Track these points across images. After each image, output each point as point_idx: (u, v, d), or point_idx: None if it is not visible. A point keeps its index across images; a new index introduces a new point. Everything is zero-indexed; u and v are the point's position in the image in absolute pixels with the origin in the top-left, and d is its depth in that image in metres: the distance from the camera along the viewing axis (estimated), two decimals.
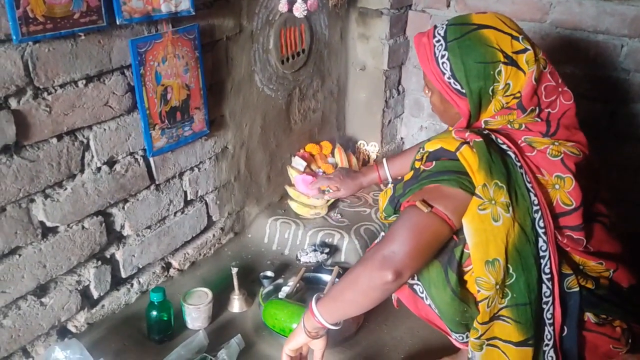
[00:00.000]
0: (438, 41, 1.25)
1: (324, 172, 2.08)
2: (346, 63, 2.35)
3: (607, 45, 1.98)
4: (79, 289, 1.47)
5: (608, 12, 1.93)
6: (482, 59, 1.21)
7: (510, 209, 1.14)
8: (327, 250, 1.85)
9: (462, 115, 1.27)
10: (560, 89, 1.26)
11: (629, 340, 1.23)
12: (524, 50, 1.20)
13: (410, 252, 1.12)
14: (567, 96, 1.26)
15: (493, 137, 1.21)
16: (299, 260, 1.83)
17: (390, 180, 1.71)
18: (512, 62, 1.20)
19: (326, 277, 1.72)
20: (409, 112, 2.54)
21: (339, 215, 2.03)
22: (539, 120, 1.24)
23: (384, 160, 1.73)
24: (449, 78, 1.24)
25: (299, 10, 1.80)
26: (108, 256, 1.54)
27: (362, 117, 2.45)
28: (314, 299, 1.23)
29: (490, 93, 1.23)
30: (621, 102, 2.02)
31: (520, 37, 1.22)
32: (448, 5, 2.24)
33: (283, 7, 1.80)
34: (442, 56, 1.24)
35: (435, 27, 1.28)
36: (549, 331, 1.18)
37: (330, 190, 1.80)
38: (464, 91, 1.23)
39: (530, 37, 1.25)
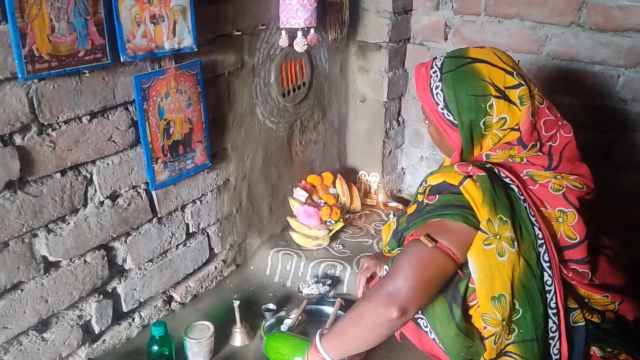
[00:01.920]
0: (434, 72, 1.27)
1: (325, 203, 2.09)
2: (346, 95, 2.38)
3: (603, 76, 2.01)
4: (80, 323, 1.47)
5: (603, 43, 1.97)
6: (473, 91, 1.22)
7: (515, 243, 1.13)
8: (329, 281, 1.84)
9: (455, 147, 1.29)
10: (560, 123, 1.27)
11: None
12: (517, 86, 1.22)
13: (415, 288, 1.11)
14: (567, 129, 1.27)
15: (496, 170, 1.21)
16: (301, 292, 1.82)
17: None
18: (503, 96, 1.21)
19: (329, 309, 1.71)
20: (409, 143, 2.56)
21: (341, 246, 2.03)
22: (541, 154, 1.25)
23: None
24: (442, 109, 1.26)
25: (300, 45, 1.84)
26: (110, 290, 1.54)
27: (362, 148, 2.47)
28: (317, 335, 1.21)
29: (482, 126, 1.24)
30: (619, 132, 2.03)
31: (515, 72, 1.23)
32: (446, 39, 2.28)
33: (284, 42, 1.84)
34: (437, 87, 1.26)
35: (435, 58, 1.31)
36: None
37: None
38: (456, 122, 1.25)
39: (527, 69, 1.28)
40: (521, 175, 1.23)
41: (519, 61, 2.03)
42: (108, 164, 1.43)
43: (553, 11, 2.01)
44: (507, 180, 1.20)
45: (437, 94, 1.26)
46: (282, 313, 1.71)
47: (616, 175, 2.05)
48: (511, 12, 2.09)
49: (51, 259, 1.35)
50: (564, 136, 1.26)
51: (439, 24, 2.28)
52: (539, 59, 2.08)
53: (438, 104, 1.27)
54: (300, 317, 1.66)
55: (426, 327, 1.24)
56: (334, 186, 2.23)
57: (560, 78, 2.06)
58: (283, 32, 1.83)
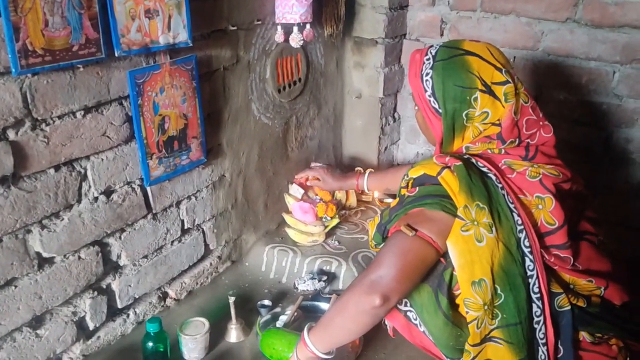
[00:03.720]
0: (428, 59, 1.32)
1: (321, 199, 2.09)
2: (342, 91, 2.38)
3: (599, 72, 2.01)
4: (74, 320, 1.46)
5: (599, 39, 1.97)
6: (460, 83, 1.26)
7: (494, 229, 1.16)
8: (324, 278, 1.84)
9: (435, 136, 1.32)
10: (541, 123, 1.31)
11: (627, 359, 1.23)
12: (504, 83, 1.25)
13: (397, 276, 1.13)
14: (547, 129, 1.31)
15: (473, 160, 1.25)
16: (297, 288, 1.82)
17: (366, 190, 1.92)
18: (489, 91, 1.25)
19: (324, 306, 1.70)
20: (405, 139, 2.56)
21: (336, 242, 2.03)
22: (518, 147, 1.29)
23: (368, 171, 1.90)
24: (429, 96, 1.30)
25: (295, 41, 1.83)
26: (104, 286, 1.53)
27: (358, 144, 2.47)
28: (305, 329, 1.23)
29: (464, 117, 1.27)
30: (615, 128, 2.04)
31: (504, 70, 1.26)
32: (442, 35, 2.27)
33: (279, 37, 1.83)
34: (427, 74, 1.30)
35: (431, 46, 1.34)
36: (542, 351, 1.18)
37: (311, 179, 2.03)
38: (440, 111, 1.27)
39: (523, 65, 1.30)
40: (499, 164, 1.27)
41: (514, 57, 2.05)
42: (102, 159, 1.43)
43: (549, 7, 2.02)
44: (485, 169, 1.24)
45: (426, 80, 1.30)
46: (278, 309, 1.71)
47: (612, 172, 2.06)
48: (507, 7, 2.09)
49: (45, 255, 1.35)
50: (543, 136, 1.31)
51: (435, 20, 2.28)
52: (535, 55, 2.08)
53: (426, 91, 1.31)
54: (295, 314, 1.66)
55: (415, 319, 1.25)
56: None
57: (556, 74, 2.07)
58: (279, 27, 1.82)
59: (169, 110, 1.52)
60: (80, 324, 1.49)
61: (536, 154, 1.27)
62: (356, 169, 2.43)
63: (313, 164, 2.14)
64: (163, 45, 1.44)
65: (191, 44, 1.50)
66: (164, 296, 1.74)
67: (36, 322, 1.37)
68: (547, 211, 1.20)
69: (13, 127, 1.21)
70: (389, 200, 2.34)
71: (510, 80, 1.25)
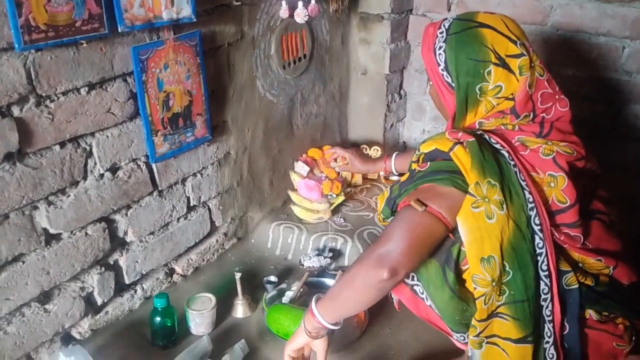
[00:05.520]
0: (441, 32, 1.29)
1: (326, 177, 2.09)
2: (348, 68, 2.36)
3: (608, 47, 1.98)
4: (82, 295, 1.48)
5: (609, 14, 1.93)
6: (474, 56, 1.23)
7: (504, 206, 1.15)
8: (330, 254, 1.85)
9: (448, 110, 1.30)
10: (557, 96, 1.27)
11: (633, 338, 1.23)
12: (519, 55, 1.22)
13: (405, 250, 1.13)
14: (564, 103, 1.28)
15: (486, 137, 1.23)
16: (302, 264, 1.83)
17: (394, 172, 1.91)
18: (503, 64, 1.22)
19: (329, 282, 1.72)
20: (411, 116, 2.54)
21: (342, 219, 2.03)
22: (533, 123, 1.26)
23: (394, 154, 1.91)
24: (442, 70, 1.28)
25: (300, 16, 1.81)
26: (111, 262, 1.54)
27: (364, 122, 2.45)
28: (313, 299, 1.24)
29: (478, 91, 1.25)
30: (624, 104, 2.01)
31: (519, 42, 1.23)
32: (449, 9, 2.24)
33: (284, 12, 1.81)
34: (440, 47, 1.28)
35: (445, 19, 1.32)
36: (548, 328, 1.18)
37: (340, 163, 2.08)
38: (453, 85, 1.26)
39: (532, 40, 1.27)
40: (512, 141, 1.25)
41: None
42: (107, 136, 1.43)
43: None
44: (497, 146, 1.22)
45: (439, 54, 1.28)
46: (284, 285, 1.72)
47: (620, 148, 2.04)
48: None
49: (52, 231, 1.36)
50: (559, 110, 1.28)
51: None
52: (544, 30, 2.05)
53: (439, 65, 1.28)
54: (301, 290, 1.67)
55: (422, 294, 1.26)
56: (335, 160, 2.22)
57: (564, 49, 2.04)
58: (283, 2, 1.80)
59: (173, 87, 1.52)
60: (89, 299, 1.51)
61: (551, 130, 1.25)
62: (361, 146, 2.43)
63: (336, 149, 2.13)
64: (166, 21, 1.43)
65: (195, 20, 1.49)
66: (171, 272, 1.76)
67: (44, 297, 1.39)
68: (559, 189, 1.19)
69: (17, 104, 1.21)
70: (395, 177, 2.34)
71: (525, 52, 1.22)
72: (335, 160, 2.10)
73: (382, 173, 2.24)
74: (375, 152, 2.41)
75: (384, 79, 2.33)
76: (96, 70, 1.34)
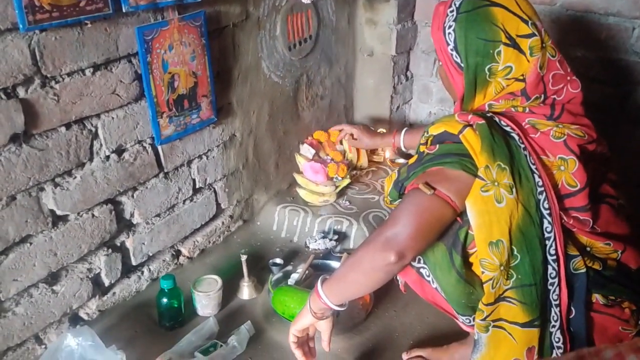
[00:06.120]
0: (451, 11, 1.26)
1: (332, 159, 2.08)
2: (354, 49, 2.34)
3: (618, 28, 1.95)
4: (90, 276, 1.48)
5: None
6: (484, 35, 1.21)
7: (514, 190, 1.14)
8: (335, 237, 1.85)
9: (457, 91, 1.28)
10: (568, 78, 1.25)
11: (639, 322, 1.22)
12: (530, 35, 1.19)
13: (413, 234, 1.12)
14: (575, 85, 1.25)
15: (496, 119, 1.21)
16: (308, 247, 1.83)
17: (403, 148, 1.89)
18: (514, 44, 1.20)
19: (335, 264, 1.72)
20: (417, 98, 2.52)
21: (347, 202, 2.03)
22: (543, 105, 1.24)
23: (404, 130, 1.88)
24: (451, 50, 1.25)
25: None
26: (118, 244, 1.55)
27: (370, 104, 2.44)
28: (319, 280, 1.24)
29: (487, 72, 1.23)
30: (633, 86, 1.99)
31: (530, 22, 1.20)
32: None
33: None
34: (450, 27, 1.25)
35: None
36: (555, 312, 1.18)
37: (347, 145, 2.10)
38: (462, 65, 1.24)
39: (541, 20, 1.24)
40: (523, 124, 1.23)
41: None
42: (113, 117, 1.42)
43: None
44: (508, 128, 1.20)
45: (449, 33, 1.25)
46: (289, 267, 1.73)
47: (630, 130, 2.02)
48: None
49: (59, 212, 1.36)
50: (570, 91, 1.25)
51: None
52: (553, 10, 2.02)
53: (448, 44, 1.26)
54: (307, 272, 1.67)
55: (428, 276, 1.25)
56: (341, 142, 2.21)
57: (574, 30, 2.01)
58: None
59: (178, 68, 1.51)
60: (96, 281, 1.51)
61: (562, 113, 1.22)
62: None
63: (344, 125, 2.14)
64: (171, 1, 1.41)
65: (199, 0, 1.47)
66: (177, 254, 1.76)
67: (52, 278, 1.40)
68: (570, 173, 1.17)
69: (23, 85, 1.21)
70: (401, 160, 2.33)
71: (536, 32, 1.19)
72: (341, 142, 2.08)
73: (388, 155, 2.23)
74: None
75: (391, 60, 2.31)
76: (101, 51, 1.33)
